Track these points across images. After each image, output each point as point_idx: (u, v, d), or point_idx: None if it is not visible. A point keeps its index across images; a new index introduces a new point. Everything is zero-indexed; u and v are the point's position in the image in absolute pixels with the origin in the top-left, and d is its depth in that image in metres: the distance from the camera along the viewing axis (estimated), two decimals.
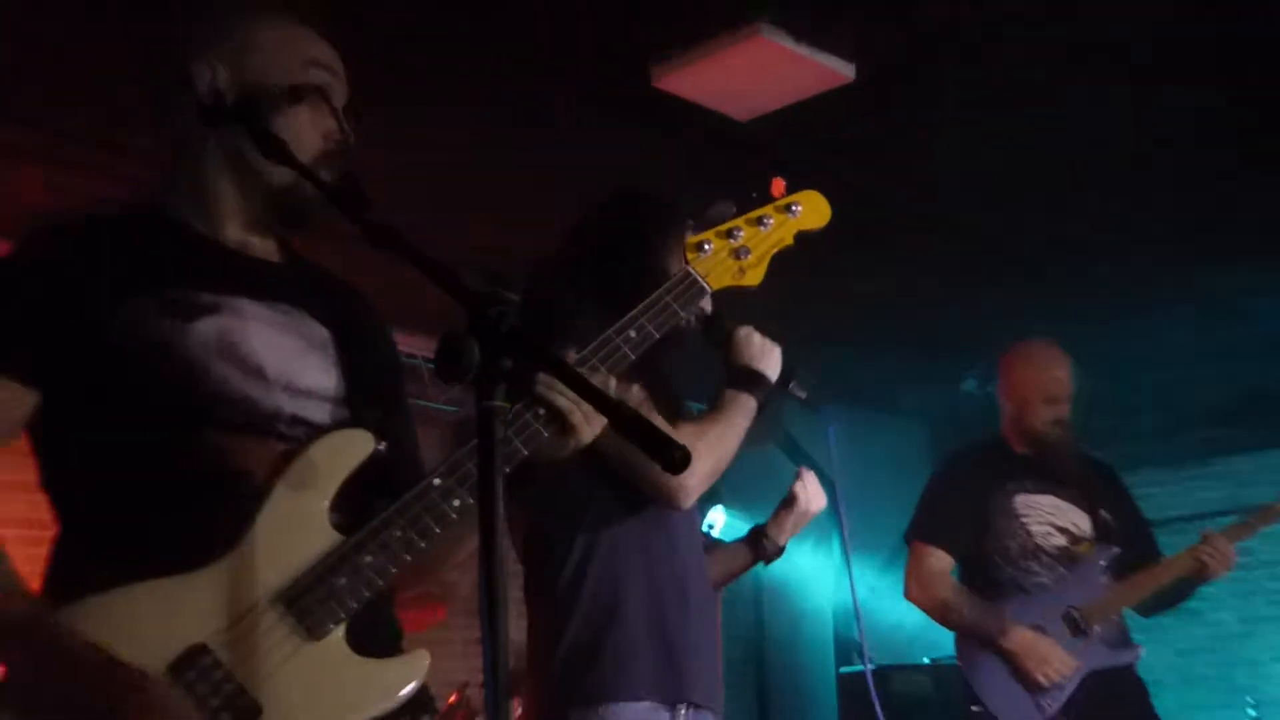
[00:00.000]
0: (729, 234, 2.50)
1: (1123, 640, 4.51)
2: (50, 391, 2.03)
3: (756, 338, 3.01)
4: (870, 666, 7.94)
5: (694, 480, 2.83)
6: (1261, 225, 6.32)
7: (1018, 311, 6.80)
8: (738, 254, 2.49)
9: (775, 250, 2.55)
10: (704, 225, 2.52)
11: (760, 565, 3.36)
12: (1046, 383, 4.65)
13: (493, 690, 1.57)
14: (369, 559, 2.00)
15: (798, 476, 3.30)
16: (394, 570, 2.01)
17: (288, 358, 2.13)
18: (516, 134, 5.35)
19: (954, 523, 4.59)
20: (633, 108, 5.12)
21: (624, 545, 2.88)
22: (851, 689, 7.92)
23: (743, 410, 2.95)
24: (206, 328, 2.06)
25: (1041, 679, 4.33)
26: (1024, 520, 4.54)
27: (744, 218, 2.51)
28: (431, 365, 1.64)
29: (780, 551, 3.33)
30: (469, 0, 4.41)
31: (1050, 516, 4.56)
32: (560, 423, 2.15)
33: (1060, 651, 4.35)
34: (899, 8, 4.58)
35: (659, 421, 2.74)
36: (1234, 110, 5.30)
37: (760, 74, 4.86)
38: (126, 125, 4.87)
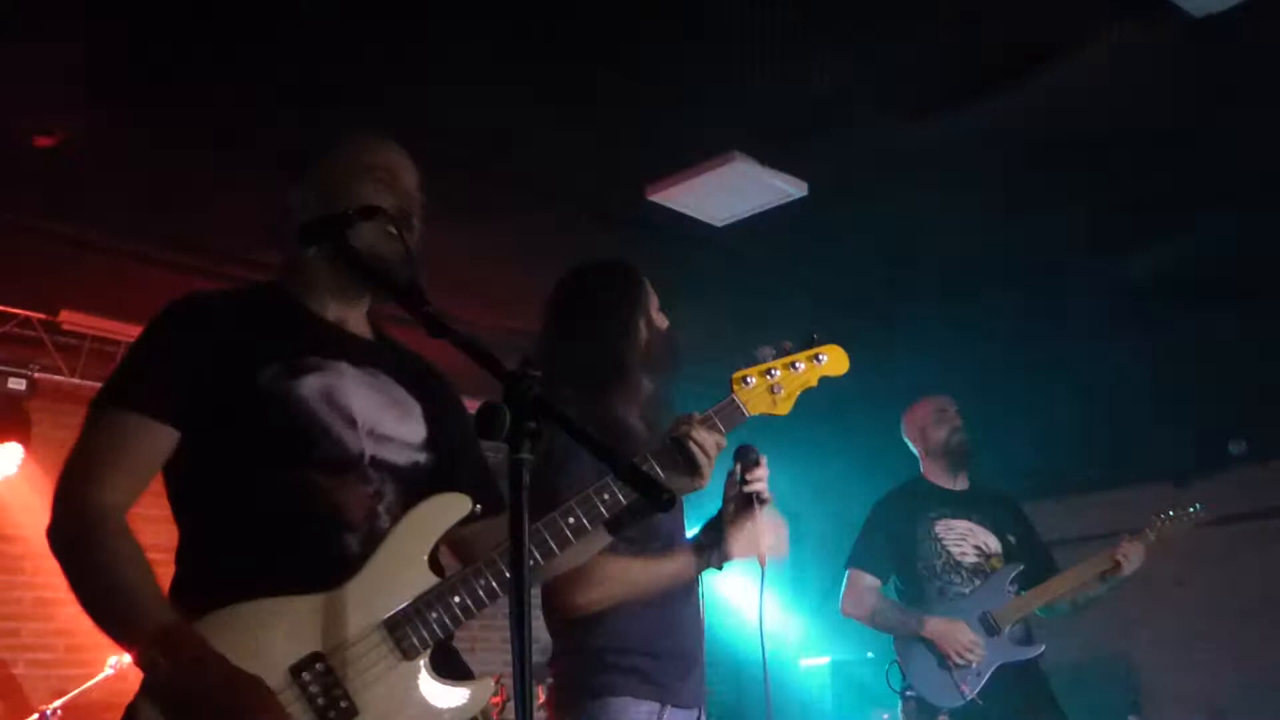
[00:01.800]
0: (768, 373, 2.53)
1: (1028, 638, 4.51)
2: (188, 433, 2.04)
3: (775, 528, 2.88)
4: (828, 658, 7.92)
5: (588, 603, 2.76)
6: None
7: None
8: (773, 389, 2.54)
9: (802, 389, 2.59)
10: (750, 363, 2.55)
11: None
12: (930, 406, 4.78)
13: (520, 679, 1.61)
14: (457, 600, 2.03)
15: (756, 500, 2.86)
16: (476, 612, 2.05)
17: (374, 409, 2.15)
18: (538, 240, 5.40)
19: (882, 551, 4.66)
20: (630, 216, 5.19)
21: None
22: (811, 677, 7.89)
23: (683, 572, 2.86)
24: (313, 382, 2.09)
25: (957, 657, 4.35)
26: (944, 542, 4.57)
27: (780, 361, 2.56)
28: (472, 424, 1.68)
29: (725, 560, 2.90)
30: (500, 141, 4.50)
31: (966, 537, 4.58)
32: (693, 468, 2.30)
33: (970, 633, 4.38)
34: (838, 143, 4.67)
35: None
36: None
37: (733, 190, 4.91)
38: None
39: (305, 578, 1.97)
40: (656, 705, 2.79)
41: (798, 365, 2.58)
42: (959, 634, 4.38)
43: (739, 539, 2.87)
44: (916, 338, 6.67)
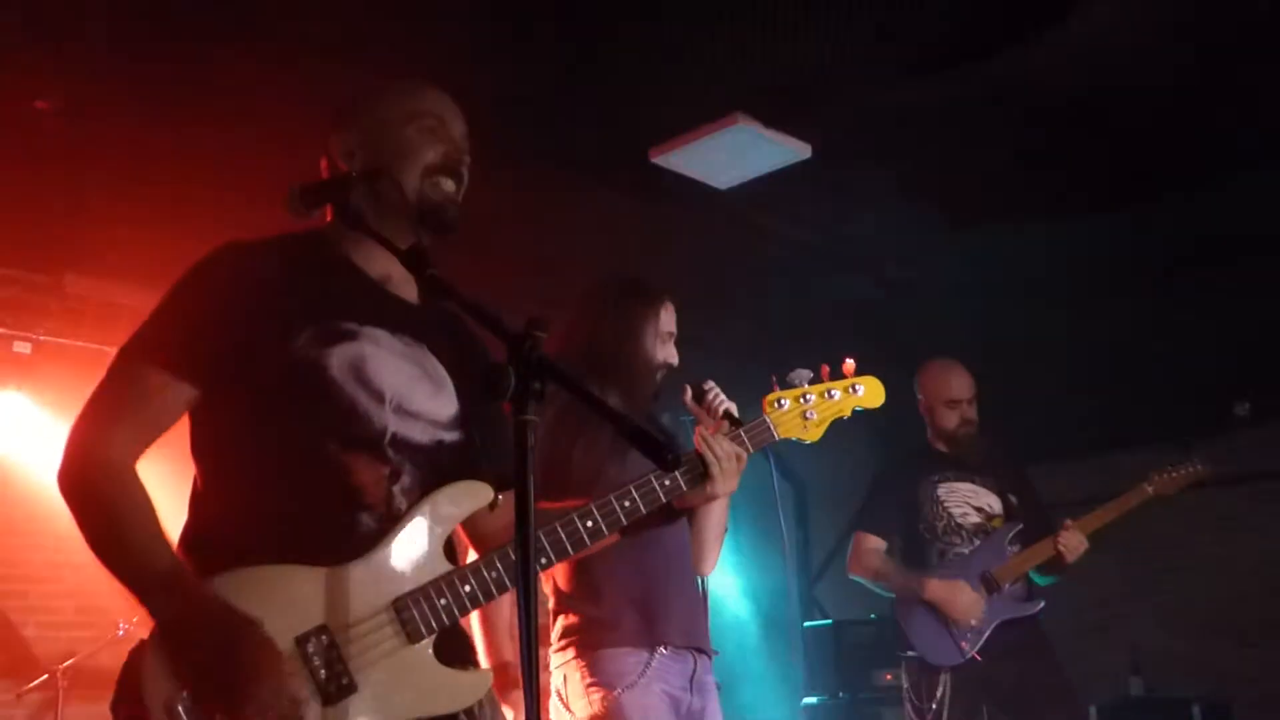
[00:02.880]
0: (802, 398, 2.52)
1: (1027, 595, 4.56)
2: (211, 389, 2.02)
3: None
4: (828, 621, 7.99)
5: None
6: None
7: None
8: (805, 415, 2.52)
9: (835, 417, 2.58)
10: (785, 386, 2.54)
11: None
12: (946, 391, 4.73)
13: (526, 638, 1.62)
14: (467, 589, 2.04)
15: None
16: (484, 602, 2.06)
17: (404, 382, 2.09)
18: (541, 203, 5.40)
19: (886, 514, 4.72)
20: (633, 179, 5.17)
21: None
22: (815, 639, 7.92)
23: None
24: (344, 352, 2.03)
25: (959, 617, 4.41)
26: (945, 505, 4.62)
27: (817, 388, 2.54)
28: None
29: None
30: (502, 103, 4.48)
31: (968, 499, 4.63)
32: (703, 473, 2.34)
33: (970, 593, 4.43)
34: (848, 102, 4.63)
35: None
36: None
37: (736, 152, 4.89)
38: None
39: (318, 549, 1.97)
40: (644, 653, 2.86)
41: (833, 394, 2.56)
42: (959, 595, 4.43)
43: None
44: (919, 299, 6.67)
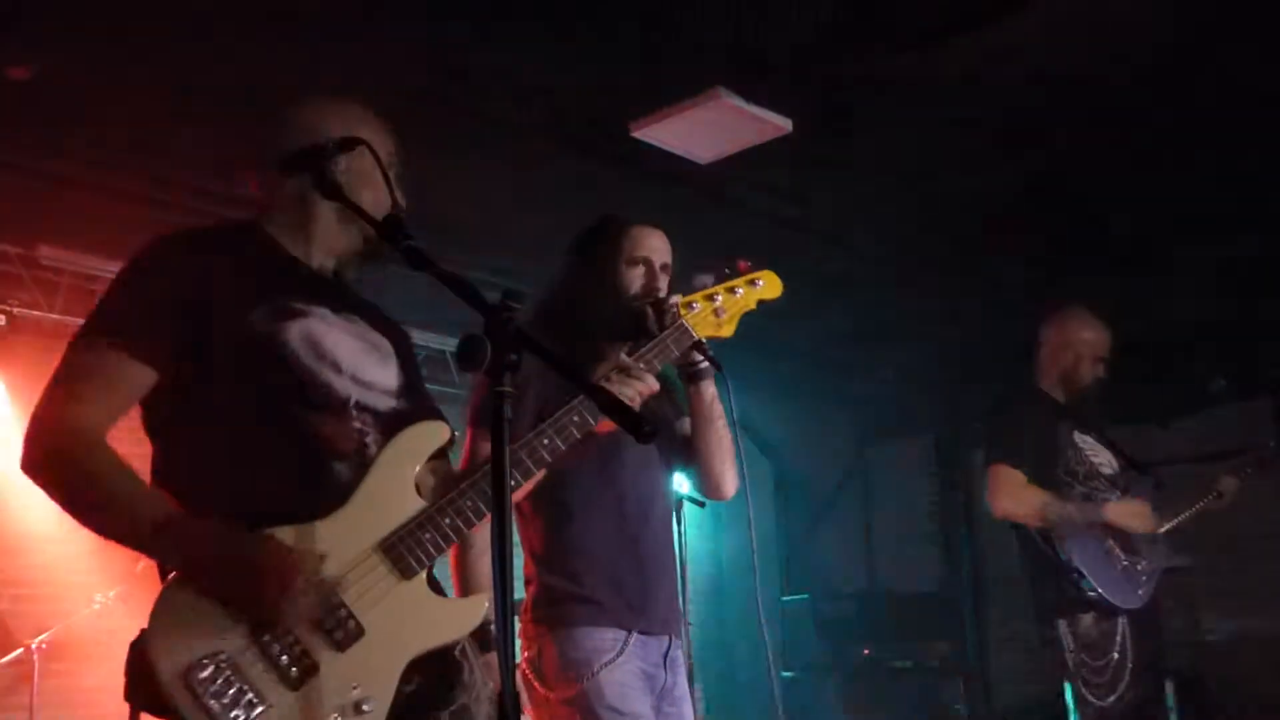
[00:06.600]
0: (711, 298, 2.71)
1: (1175, 546, 4.43)
2: (168, 371, 2.04)
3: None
4: (805, 596, 8.03)
5: None
6: None
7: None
8: (717, 313, 2.72)
9: (743, 311, 2.78)
10: (691, 289, 2.72)
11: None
12: (1100, 347, 4.51)
13: (501, 609, 1.64)
14: (447, 521, 2.10)
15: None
16: (465, 531, 2.12)
17: (355, 354, 2.17)
18: (523, 178, 5.38)
19: (1027, 449, 4.28)
20: (616, 153, 5.16)
21: (587, 512, 2.92)
22: (792, 613, 7.97)
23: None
24: (297, 327, 2.09)
25: (1140, 527, 4.25)
26: (1083, 450, 4.37)
27: (722, 286, 2.74)
28: (454, 357, 1.69)
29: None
30: (483, 78, 4.46)
31: (1098, 451, 4.41)
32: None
33: (1148, 508, 4.29)
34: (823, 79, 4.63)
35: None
36: None
37: (717, 126, 4.88)
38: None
39: (295, 504, 2.01)
40: (622, 633, 2.85)
41: (737, 290, 2.76)
42: (1142, 510, 4.25)
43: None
44: (899, 275, 6.69)
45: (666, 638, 2.96)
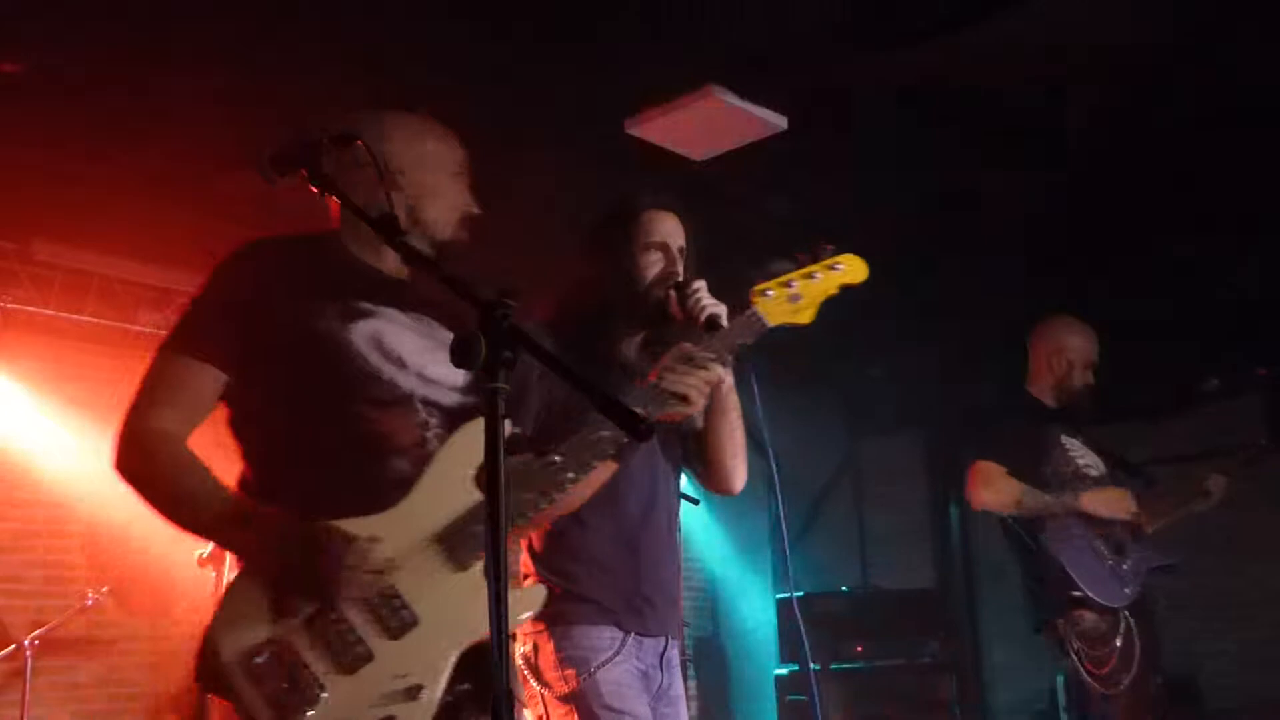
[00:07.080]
0: (787, 284, 2.60)
1: (1163, 545, 4.46)
2: (241, 374, 2.18)
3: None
4: (799, 593, 8.04)
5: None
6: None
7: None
8: (793, 299, 2.59)
9: (823, 297, 2.63)
10: (767, 276, 2.59)
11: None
12: (1090, 354, 4.55)
13: (496, 606, 1.64)
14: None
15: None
16: (520, 525, 2.19)
17: (420, 352, 2.26)
18: (516, 175, 5.34)
19: (1010, 448, 4.33)
20: (609, 151, 5.15)
21: (586, 512, 2.83)
22: (784, 612, 7.97)
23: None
24: (364, 327, 2.21)
25: (1117, 513, 4.27)
26: (1070, 453, 4.41)
27: (799, 273, 2.62)
28: (450, 355, 1.69)
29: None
30: (478, 76, 4.45)
31: (1083, 455, 4.44)
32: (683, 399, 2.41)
33: (1126, 495, 4.31)
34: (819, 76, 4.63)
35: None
36: None
37: (711, 123, 4.88)
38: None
39: (361, 500, 2.09)
40: (620, 633, 2.83)
41: (815, 275, 2.63)
42: (1117, 495, 4.28)
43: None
44: (893, 273, 6.68)
45: (663, 639, 2.94)
